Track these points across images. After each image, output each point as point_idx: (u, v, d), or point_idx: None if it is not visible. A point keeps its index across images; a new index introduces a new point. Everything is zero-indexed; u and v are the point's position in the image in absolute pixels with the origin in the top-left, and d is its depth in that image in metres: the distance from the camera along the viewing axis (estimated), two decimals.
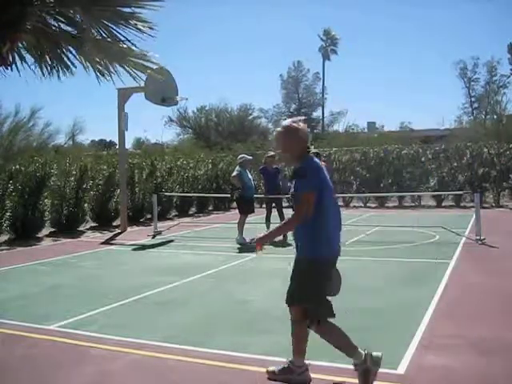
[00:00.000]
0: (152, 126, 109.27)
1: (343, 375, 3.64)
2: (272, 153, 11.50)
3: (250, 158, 11.16)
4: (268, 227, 10.99)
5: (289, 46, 75.78)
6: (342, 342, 3.48)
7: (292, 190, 3.49)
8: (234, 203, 13.76)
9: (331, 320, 3.45)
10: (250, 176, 10.57)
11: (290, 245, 9.89)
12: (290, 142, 3.48)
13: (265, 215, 10.93)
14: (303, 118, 3.65)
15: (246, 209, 10.43)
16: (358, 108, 79.33)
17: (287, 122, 3.58)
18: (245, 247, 9.82)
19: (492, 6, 65.10)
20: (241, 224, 10.32)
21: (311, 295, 3.39)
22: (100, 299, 6.03)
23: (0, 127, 15.11)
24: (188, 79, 63.33)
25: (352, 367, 3.58)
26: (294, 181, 3.48)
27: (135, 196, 15.43)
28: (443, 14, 66.77)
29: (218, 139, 38.86)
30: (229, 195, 14.92)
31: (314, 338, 4.55)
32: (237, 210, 11.18)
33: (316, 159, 3.50)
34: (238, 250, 9.57)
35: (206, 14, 72.62)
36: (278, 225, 3.69)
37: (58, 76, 4.34)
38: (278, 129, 3.61)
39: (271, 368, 3.66)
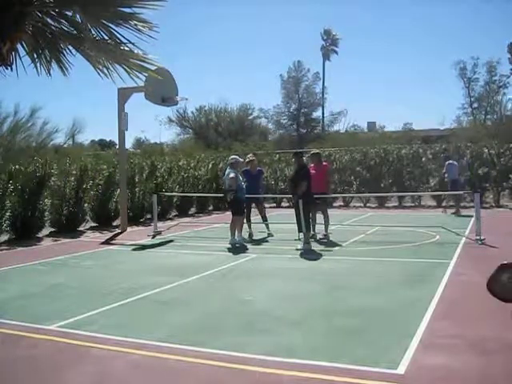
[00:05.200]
0: (152, 126, 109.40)
1: (343, 375, 3.64)
2: (252, 157, 12.09)
3: (242, 160, 11.28)
4: (250, 227, 11.24)
5: (289, 45, 75.68)
6: None
7: None
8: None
9: None
10: (240, 177, 10.70)
11: (289, 244, 9.88)
12: None
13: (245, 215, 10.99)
14: None
15: (240, 210, 10.52)
16: (358, 108, 79.15)
17: None
18: (242, 248, 9.82)
19: (492, 6, 65.07)
20: (238, 225, 10.39)
21: None
22: (100, 299, 6.03)
23: (0, 127, 15.13)
24: (188, 79, 63.26)
25: (351, 367, 3.56)
26: None
27: (135, 196, 15.42)
28: (443, 13, 66.59)
29: (218, 139, 38.89)
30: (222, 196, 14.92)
31: (313, 337, 4.56)
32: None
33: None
34: (237, 251, 9.57)
35: (206, 14, 72.43)
36: None
37: (64, 74, 4.34)
38: None
39: None
